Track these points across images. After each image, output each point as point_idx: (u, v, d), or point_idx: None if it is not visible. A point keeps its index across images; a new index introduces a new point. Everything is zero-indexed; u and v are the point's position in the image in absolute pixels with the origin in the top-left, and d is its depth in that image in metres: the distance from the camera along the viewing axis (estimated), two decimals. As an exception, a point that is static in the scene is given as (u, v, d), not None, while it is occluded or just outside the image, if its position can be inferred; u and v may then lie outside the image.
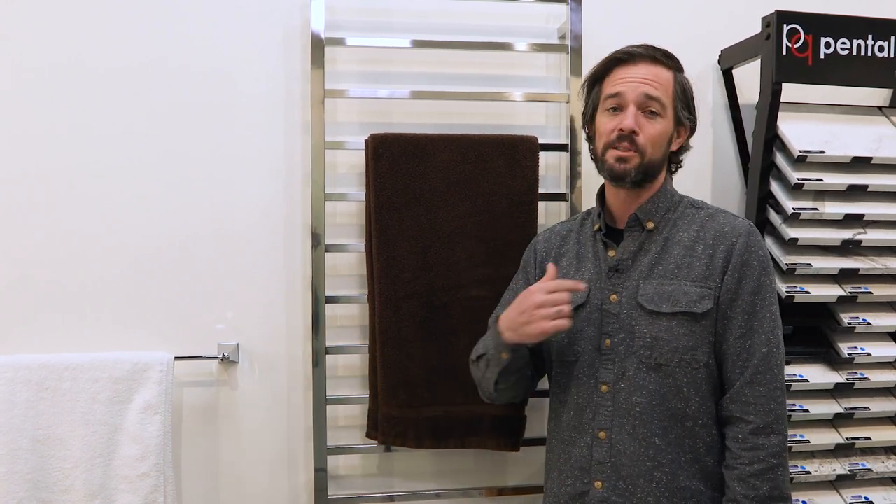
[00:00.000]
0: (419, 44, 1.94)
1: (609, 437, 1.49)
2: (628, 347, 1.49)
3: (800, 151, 1.82)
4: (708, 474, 1.47)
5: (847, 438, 1.86)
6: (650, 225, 1.54)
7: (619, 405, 1.49)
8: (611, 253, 1.56)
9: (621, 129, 1.50)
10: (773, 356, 1.45)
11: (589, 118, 1.61)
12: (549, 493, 1.59)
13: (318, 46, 1.89)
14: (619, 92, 1.52)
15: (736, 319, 1.46)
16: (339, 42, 1.93)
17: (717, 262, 1.48)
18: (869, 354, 1.85)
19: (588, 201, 2.00)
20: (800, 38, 1.82)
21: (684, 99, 1.55)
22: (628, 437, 1.47)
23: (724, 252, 1.48)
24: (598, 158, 1.56)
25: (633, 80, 1.51)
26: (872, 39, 1.86)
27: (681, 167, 1.62)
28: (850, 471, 1.85)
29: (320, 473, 1.90)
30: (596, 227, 1.60)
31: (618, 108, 1.52)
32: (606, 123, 1.54)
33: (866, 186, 1.85)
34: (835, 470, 1.86)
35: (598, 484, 1.49)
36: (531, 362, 1.63)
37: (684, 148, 1.60)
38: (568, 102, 1.98)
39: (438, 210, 1.87)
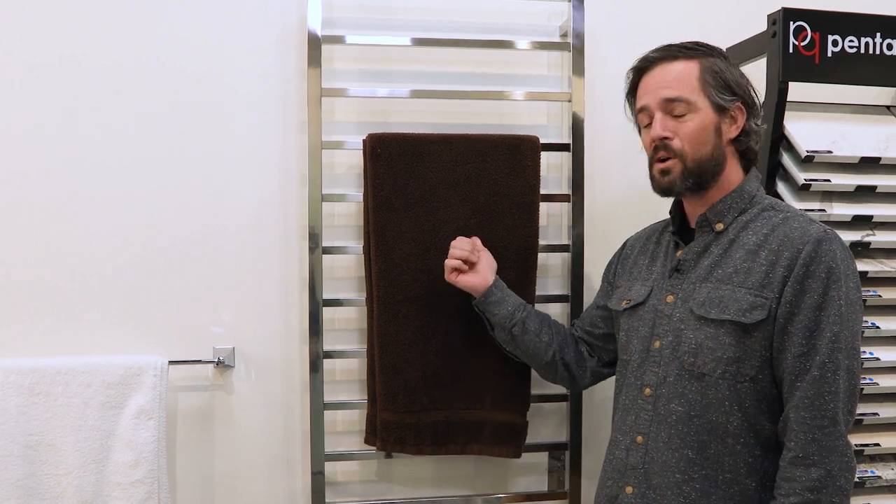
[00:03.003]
0: (418, 42, 1.91)
1: (645, 443, 1.45)
2: (673, 352, 1.44)
3: (807, 152, 1.78)
4: (747, 498, 1.37)
5: (856, 445, 1.82)
6: (719, 226, 1.47)
7: (658, 411, 1.44)
8: (679, 252, 1.52)
9: (652, 140, 1.46)
10: (826, 381, 1.31)
11: (640, 133, 1.58)
12: (596, 494, 1.58)
13: (314, 45, 1.85)
14: (644, 106, 1.49)
15: (795, 336, 1.34)
16: (336, 40, 1.89)
17: (778, 270, 1.36)
18: (878, 359, 1.81)
19: (590, 203, 1.98)
20: (807, 35, 1.77)
21: (719, 82, 1.45)
22: (663, 446, 1.42)
23: (787, 260, 1.36)
24: (649, 174, 1.52)
25: (652, 88, 1.47)
26: (881, 37, 1.82)
27: (754, 152, 1.51)
28: (859, 478, 1.81)
29: (318, 479, 1.86)
30: (670, 227, 1.57)
31: (649, 122, 1.49)
32: (645, 138, 1.52)
33: (875, 187, 1.82)
34: (843, 477, 1.82)
35: (629, 489, 1.46)
36: (548, 327, 1.72)
37: (750, 131, 1.48)
38: (570, 101, 1.95)
39: (438, 211, 1.83)
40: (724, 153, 1.47)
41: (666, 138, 1.45)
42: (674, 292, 1.48)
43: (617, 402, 1.58)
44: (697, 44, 1.49)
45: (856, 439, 1.83)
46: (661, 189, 1.49)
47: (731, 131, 1.47)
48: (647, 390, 1.47)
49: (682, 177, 1.45)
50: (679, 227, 1.56)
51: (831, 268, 1.34)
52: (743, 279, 1.39)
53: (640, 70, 1.51)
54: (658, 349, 1.47)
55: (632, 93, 1.56)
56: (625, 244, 1.73)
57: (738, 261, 1.41)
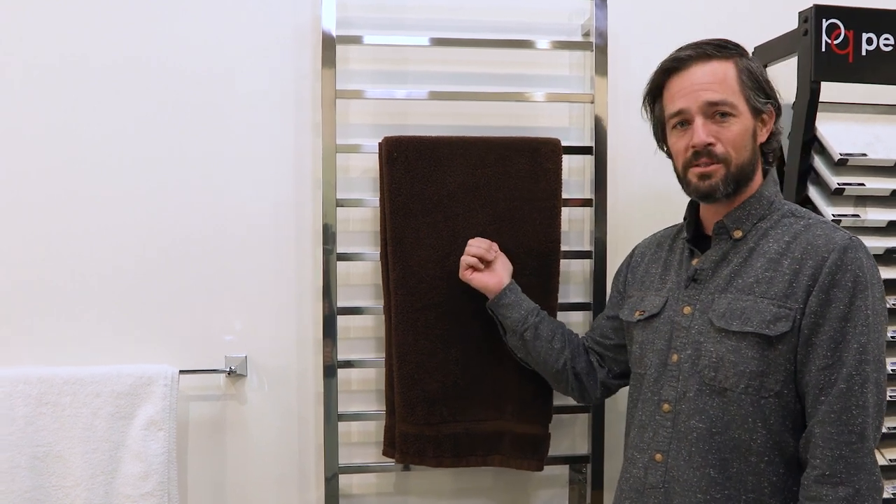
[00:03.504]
0: (435, 42, 1.86)
1: (665, 461, 1.39)
2: (693, 366, 1.38)
3: (840, 154, 1.73)
4: None
5: (890, 460, 1.76)
6: (738, 234, 1.41)
7: (678, 428, 1.38)
8: (694, 261, 1.46)
9: (694, 146, 1.39)
10: (853, 395, 1.25)
11: (661, 136, 1.52)
12: None
13: (329, 45, 1.80)
14: (681, 109, 1.41)
15: (820, 348, 1.28)
16: (351, 40, 1.85)
17: (802, 279, 1.31)
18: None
19: (613, 208, 1.92)
20: (840, 33, 1.72)
21: (754, 84, 1.40)
22: (684, 464, 1.36)
23: (811, 269, 1.31)
24: (680, 178, 1.46)
25: (690, 90, 1.40)
26: (918, 35, 1.76)
27: (777, 155, 1.47)
28: (892, 494, 1.75)
29: (332, 491, 1.81)
30: (684, 234, 1.51)
31: (685, 123, 1.42)
32: (678, 142, 1.44)
33: (911, 192, 1.76)
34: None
35: None
36: (560, 335, 1.68)
37: (774, 134, 1.45)
38: (592, 103, 1.89)
39: (457, 217, 1.78)
40: (757, 159, 1.43)
41: (710, 144, 1.39)
42: (691, 303, 1.43)
43: (632, 417, 1.52)
44: (727, 42, 1.43)
45: (891, 454, 1.76)
46: (702, 195, 1.42)
47: (762, 135, 1.43)
48: (666, 406, 1.41)
49: (724, 182, 1.39)
50: (693, 233, 1.51)
51: (857, 276, 1.29)
52: (765, 289, 1.34)
53: (670, 70, 1.45)
54: (676, 363, 1.41)
55: (657, 93, 1.49)
56: (633, 251, 1.68)
57: (760, 270, 1.36)
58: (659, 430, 1.41)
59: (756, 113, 1.41)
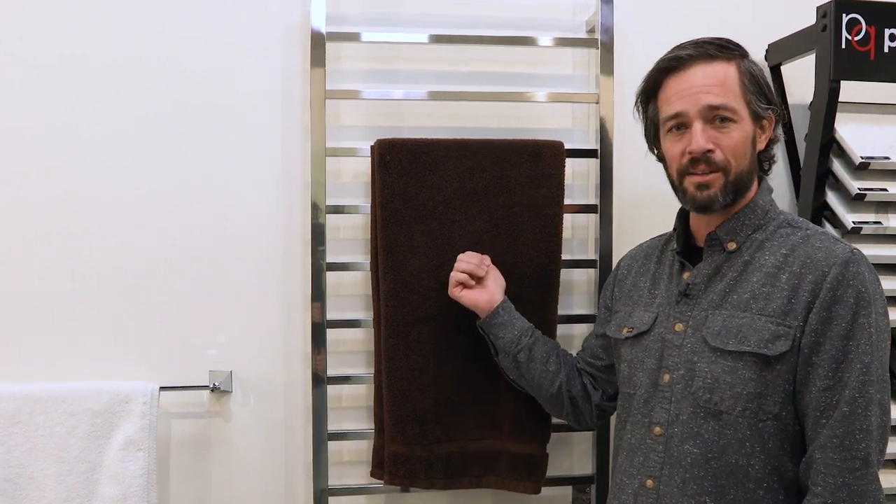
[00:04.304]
0: (432, 39, 1.77)
1: (657, 488, 1.31)
2: (686, 387, 1.30)
3: (862, 158, 1.66)
4: None
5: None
6: (731, 246, 1.34)
7: (670, 452, 1.31)
8: (685, 275, 1.38)
9: (692, 153, 1.31)
10: (857, 418, 1.19)
11: (653, 138, 1.44)
12: None
13: (318, 43, 1.71)
14: (679, 112, 1.33)
15: (821, 368, 1.21)
16: (342, 37, 1.76)
17: (801, 295, 1.24)
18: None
19: (619, 214, 1.83)
20: (861, 29, 1.65)
21: (756, 88, 1.32)
22: (677, 491, 1.28)
23: (811, 284, 1.24)
24: (675, 187, 1.39)
25: (689, 92, 1.31)
26: (944, 31, 1.68)
27: (774, 163, 1.40)
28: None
29: (321, 515, 1.73)
30: (673, 245, 1.43)
31: (682, 127, 1.34)
32: (673, 147, 1.36)
33: (938, 197, 1.68)
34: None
35: None
36: (556, 356, 1.61)
37: (773, 141, 1.37)
38: (597, 103, 1.80)
39: (452, 224, 1.69)
40: (755, 167, 1.36)
41: (709, 151, 1.30)
42: (683, 320, 1.35)
43: (620, 440, 1.44)
44: (729, 42, 1.34)
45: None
46: (699, 206, 1.35)
47: (761, 142, 1.36)
48: (657, 429, 1.33)
49: (723, 192, 1.32)
50: (682, 245, 1.42)
51: (860, 292, 1.22)
52: (763, 306, 1.26)
53: (668, 69, 1.36)
54: (668, 383, 1.34)
55: (651, 93, 1.40)
56: (619, 264, 1.61)
57: (756, 285, 1.28)
58: (650, 454, 1.34)
59: (756, 119, 1.33)
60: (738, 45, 1.34)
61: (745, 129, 1.31)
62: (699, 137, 1.30)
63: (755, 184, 1.37)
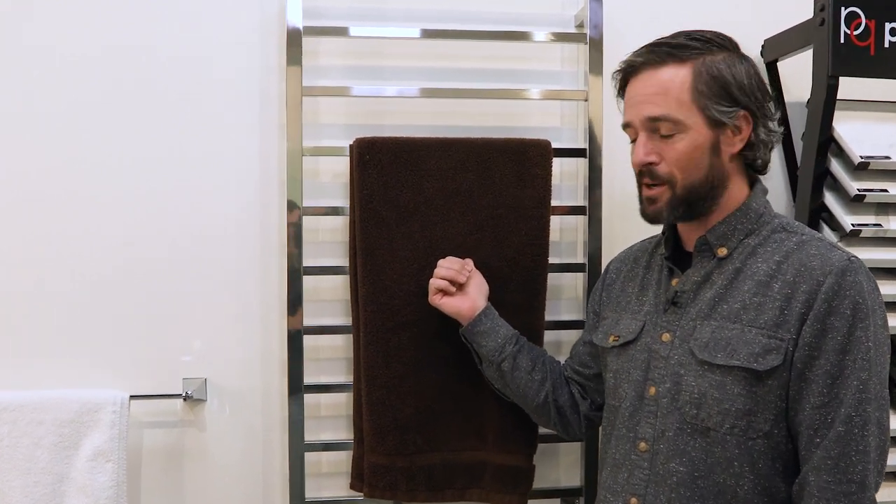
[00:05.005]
0: (416, 34, 1.72)
1: None
2: (672, 401, 1.24)
3: (861, 157, 1.61)
4: None
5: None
6: (722, 252, 1.27)
7: (655, 470, 1.25)
8: (674, 282, 1.32)
9: (633, 166, 1.30)
10: (853, 439, 1.13)
11: None
12: None
13: (294, 39, 1.66)
14: (626, 122, 1.32)
15: (815, 384, 1.15)
16: (320, 32, 1.71)
17: (795, 305, 1.17)
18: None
19: (608, 216, 1.77)
20: (860, 23, 1.60)
21: (716, 90, 1.23)
22: None
23: (805, 294, 1.17)
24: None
25: (634, 102, 1.29)
26: (947, 25, 1.64)
27: (766, 163, 1.31)
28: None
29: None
30: (662, 249, 1.38)
31: (636, 138, 1.31)
32: (631, 156, 1.33)
33: (940, 199, 1.64)
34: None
35: None
36: (542, 364, 1.55)
37: (757, 142, 1.27)
38: (586, 101, 1.74)
39: (434, 226, 1.64)
40: (726, 171, 1.28)
41: (651, 163, 1.26)
42: (670, 329, 1.29)
43: (604, 453, 1.40)
44: (693, 37, 1.27)
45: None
46: (647, 218, 1.32)
47: (734, 145, 1.27)
48: (643, 444, 1.28)
49: (669, 206, 1.28)
50: (672, 249, 1.37)
51: (857, 303, 1.15)
52: (753, 317, 1.20)
53: (626, 74, 1.32)
54: (654, 396, 1.28)
55: (621, 96, 1.36)
56: (607, 268, 1.56)
57: (747, 294, 1.22)
58: (635, 470, 1.28)
59: (717, 124, 1.24)
60: (707, 41, 1.26)
61: (695, 139, 1.24)
62: (639, 150, 1.28)
63: (744, 186, 1.30)
